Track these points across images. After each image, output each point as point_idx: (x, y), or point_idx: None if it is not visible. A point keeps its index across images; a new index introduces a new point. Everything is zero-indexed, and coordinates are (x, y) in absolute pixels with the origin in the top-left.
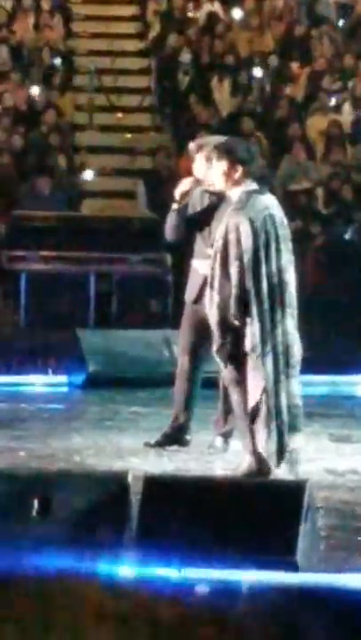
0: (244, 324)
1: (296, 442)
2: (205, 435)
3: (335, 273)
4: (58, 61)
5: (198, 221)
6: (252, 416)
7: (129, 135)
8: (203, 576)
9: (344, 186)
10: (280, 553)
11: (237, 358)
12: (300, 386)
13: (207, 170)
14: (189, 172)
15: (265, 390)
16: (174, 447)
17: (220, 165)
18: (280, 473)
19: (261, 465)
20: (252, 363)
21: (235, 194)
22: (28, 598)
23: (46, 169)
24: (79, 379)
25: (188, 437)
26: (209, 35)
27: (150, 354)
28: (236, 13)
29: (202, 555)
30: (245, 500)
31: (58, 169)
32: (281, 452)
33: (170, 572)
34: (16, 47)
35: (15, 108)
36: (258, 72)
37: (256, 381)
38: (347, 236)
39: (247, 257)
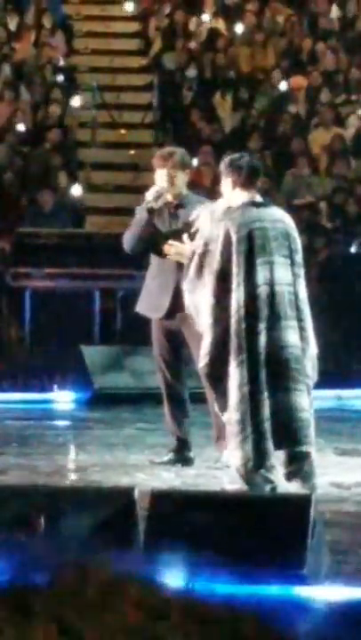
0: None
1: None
2: (211, 450)
3: (340, 286)
4: (60, 78)
5: (161, 234)
6: (237, 427)
7: (132, 152)
8: (211, 591)
9: (348, 200)
10: (288, 566)
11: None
12: (308, 399)
13: (176, 179)
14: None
15: (239, 401)
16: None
17: (226, 181)
18: (292, 487)
19: (258, 478)
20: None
21: (232, 204)
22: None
23: (49, 186)
24: (84, 395)
25: (191, 455)
26: (211, 50)
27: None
28: (238, 28)
29: (210, 569)
30: (252, 514)
31: (61, 186)
32: (256, 465)
33: (177, 588)
34: (18, 65)
35: (18, 125)
36: (259, 87)
37: (230, 393)
38: (352, 250)
39: (216, 267)
